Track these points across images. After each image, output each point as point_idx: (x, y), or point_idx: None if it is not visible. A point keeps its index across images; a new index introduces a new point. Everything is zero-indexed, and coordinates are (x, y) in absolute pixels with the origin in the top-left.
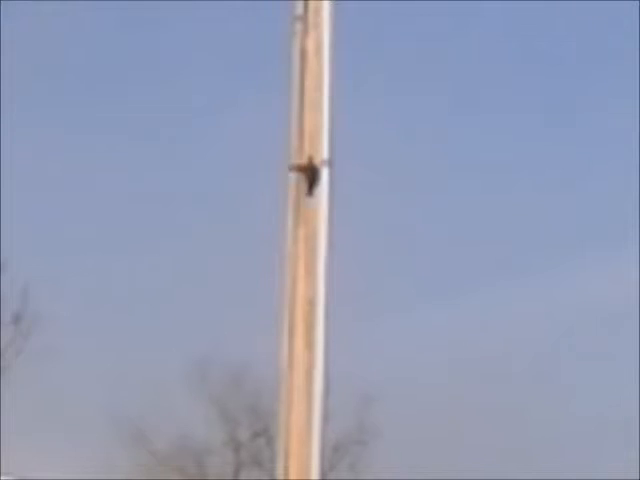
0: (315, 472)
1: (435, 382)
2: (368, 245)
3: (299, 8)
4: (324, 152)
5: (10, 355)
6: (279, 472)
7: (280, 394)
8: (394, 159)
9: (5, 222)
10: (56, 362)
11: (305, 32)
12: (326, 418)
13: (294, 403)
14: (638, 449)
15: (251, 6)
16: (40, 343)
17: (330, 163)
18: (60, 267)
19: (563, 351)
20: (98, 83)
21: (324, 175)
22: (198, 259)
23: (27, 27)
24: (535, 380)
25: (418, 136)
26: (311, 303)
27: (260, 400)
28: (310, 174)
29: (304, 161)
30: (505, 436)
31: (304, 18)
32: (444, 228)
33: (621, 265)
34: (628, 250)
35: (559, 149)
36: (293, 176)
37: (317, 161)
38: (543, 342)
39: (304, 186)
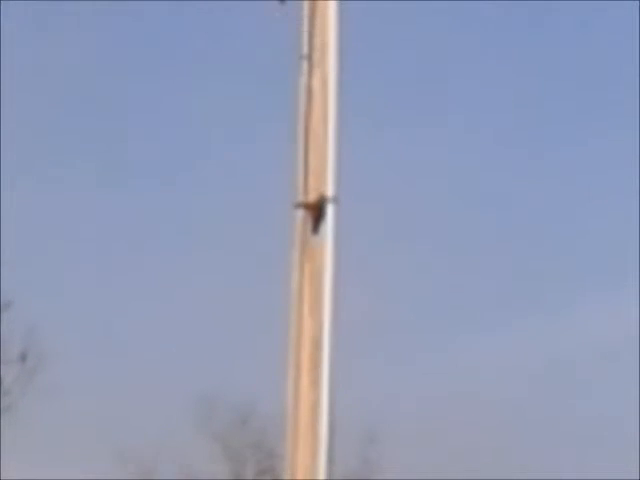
0: None
1: (438, 420)
2: (368, 284)
3: (304, 47)
4: (330, 189)
5: (16, 393)
6: None
7: (286, 432)
8: (397, 196)
9: (11, 262)
10: (61, 400)
11: (311, 70)
12: (332, 455)
13: (300, 441)
14: (638, 449)
15: (256, 43)
16: (45, 381)
17: (336, 200)
18: (66, 307)
19: (563, 387)
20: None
21: (330, 212)
22: (203, 297)
23: (27, 27)
24: (537, 417)
25: (422, 170)
26: (317, 340)
27: (266, 438)
28: (316, 211)
29: (310, 198)
30: (508, 474)
31: (309, 56)
32: (447, 267)
33: (621, 304)
34: (628, 289)
35: (560, 188)
36: (299, 213)
37: (323, 198)
38: (543, 380)
39: (310, 223)
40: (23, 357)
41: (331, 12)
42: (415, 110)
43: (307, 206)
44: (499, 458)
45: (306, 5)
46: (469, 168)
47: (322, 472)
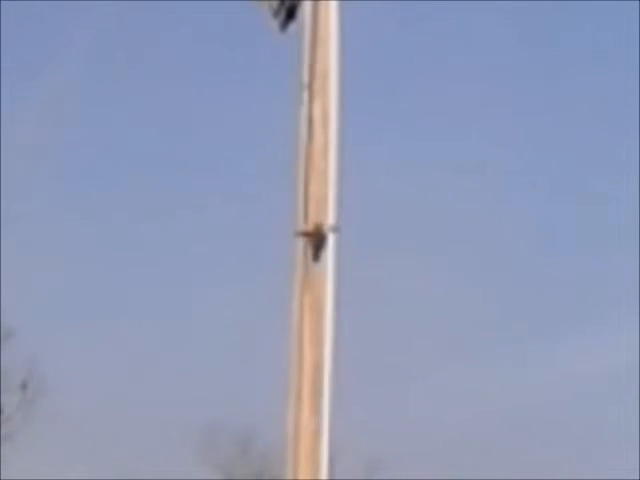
0: None
1: (441, 447)
2: (373, 311)
3: (305, 75)
4: (331, 218)
5: (17, 421)
6: None
7: (287, 459)
8: (400, 222)
9: (13, 292)
10: (62, 428)
11: (312, 99)
12: None
13: (300, 468)
14: (638, 449)
15: (255, 74)
16: (46, 409)
17: (337, 229)
18: (66, 335)
19: (565, 421)
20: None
21: (330, 241)
22: (205, 325)
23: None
24: (540, 449)
25: (424, 199)
26: (318, 368)
27: (267, 466)
28: (317, 240)
29: (310, 227)
30: None
31: (310, 85)
32: (450, 295)
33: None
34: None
35: (564, 218)
36: (300, 242)
37: (324, 227)
38: (547, 411)
39: (310, 252)
40: (24, 385)
41: (332, 41)
42: (417, 129)
43: (307, 234)
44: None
45: (307, 34)
46: (478, 193)
47: None
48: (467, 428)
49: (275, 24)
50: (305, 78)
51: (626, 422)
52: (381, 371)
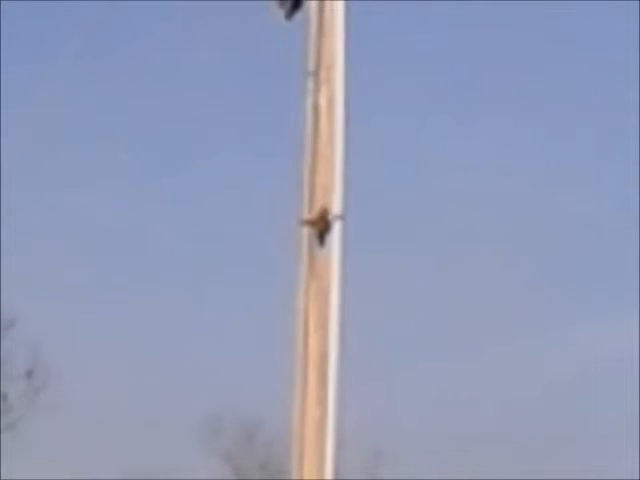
0: None
1: (445, 438)
2: (378, 302)
3: (311, 64)
4: (336, 206)
5: (21, 410)
6: None
7: (292, 450)
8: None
9: (17, 279)
10: (66, 418)
11: (317, 88)
12: (338, 472)
13: (306, 459)
14: (638, 449)
15: (263, 59)
16: (50, 399)
17: (342, 217)
18: (71, 324)
19: (565, 412)
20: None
21: (336, 228)
22: (211, 315)
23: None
24: (540, 440)
25: (427, 190)
26: (323, 358)
27: (273, 456)
28: (322, 226)
29: (316, 214)
30: None
31: (316, 74)
32: (455, 286)
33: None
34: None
35: (557, 219)
36: (305, 230)
37: (327, 212)
38: (546, 402)
39: (316, 240)
40: (29, 374)
41: (339, 30)
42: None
43: (313, 222)
44: (501, 470)
45: (313, 22)
46: (482, 187)
47: None
48: (473, 421)
49: (281, 13)
50: (311, 66)
51: (626, 420)
52: (386, 361)
